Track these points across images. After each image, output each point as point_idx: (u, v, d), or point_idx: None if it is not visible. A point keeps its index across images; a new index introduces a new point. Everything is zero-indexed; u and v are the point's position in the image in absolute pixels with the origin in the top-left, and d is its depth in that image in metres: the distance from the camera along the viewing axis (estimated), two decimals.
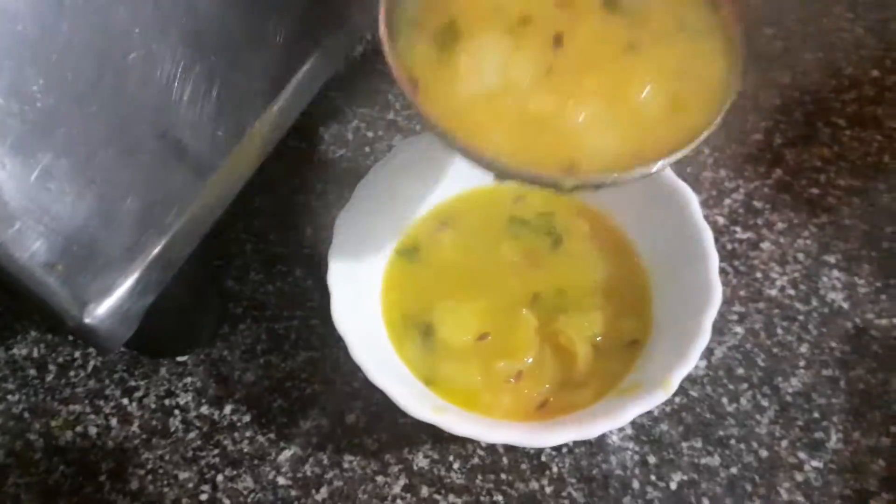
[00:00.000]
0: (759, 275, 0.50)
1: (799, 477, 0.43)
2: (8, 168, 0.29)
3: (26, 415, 0.45)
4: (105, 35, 0.30)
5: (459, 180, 0.48)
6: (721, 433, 0.44)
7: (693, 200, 0.43)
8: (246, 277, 0.50)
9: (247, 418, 0.45)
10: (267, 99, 0.40)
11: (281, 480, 0.43)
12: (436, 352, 0.43)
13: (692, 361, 0.38)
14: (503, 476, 0.43)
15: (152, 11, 0.32)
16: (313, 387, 0.46)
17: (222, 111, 0.37)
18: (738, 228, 0.52)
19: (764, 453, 0.43)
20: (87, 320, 0.33)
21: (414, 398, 0.39)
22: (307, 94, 0.43)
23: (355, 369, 0.43)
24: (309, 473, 0.43)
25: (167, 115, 0.34)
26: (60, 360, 0.47)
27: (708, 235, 0.42)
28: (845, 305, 0.49)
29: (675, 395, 0.39)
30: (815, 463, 0.43)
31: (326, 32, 0.44)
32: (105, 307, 0.34)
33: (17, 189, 0.29)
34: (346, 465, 0.43)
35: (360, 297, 0.44)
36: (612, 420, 0.37)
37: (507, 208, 0.47)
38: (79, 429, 0.45)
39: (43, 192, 0.30)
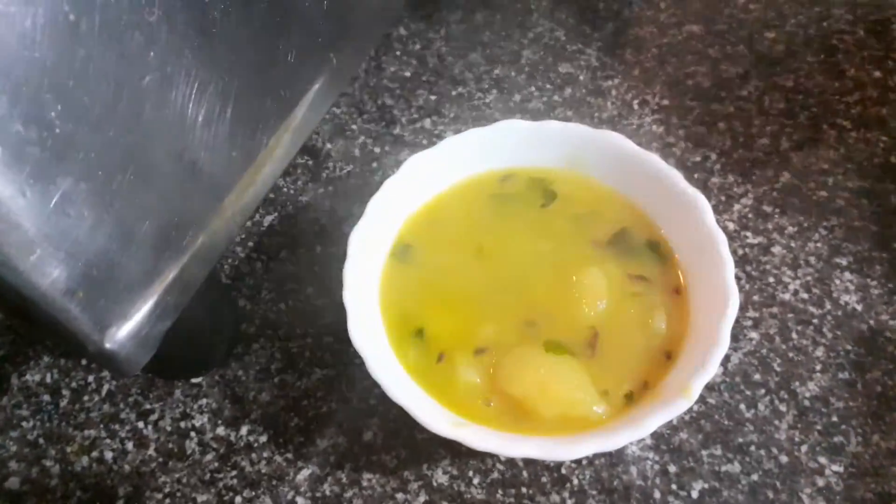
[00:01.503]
0: (771, 279, 0.50)
1: (820, 482, 0.42)
2: (28, 196, 0.29)
3: (41, 441, 0.45)
4: (121, 59, 0.30)
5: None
6: (740, 440, 0.44)
7: (706, 207, 0.43)
8: (258, 297, 0.50)
9: (263, 438, 0.45)
10: (280, 118, 0.40)
11: (300, 500, 0.43)
12: (433, 357, 0.43)
13: (713, 369, 0.38)
14: (524, 490, 0.43)
15: (167, 34, 0.32)
16: (329, 405, 0.46)
17: (236, 131, 0.37)
18: (748, 233, 0.52)
19: (784, 459, 0.43)
20: (107, 345, 0.33)
21: (433, 413, 0.39)
22: (319, 111, 0.44)
23: (371, 386, 0.43)
24: (328, 493, 0.43)
25: (183, 137, 0.34)
26: (74, 384, 0.47)
27: (723, 240, 0.42)
28: (859, 307, 0.49)
29: (693, 402, 0.38)
30: (835, 467, 0.43)
31: (336, 50, 0.44)
32: (125, 331, 0.34)
33: (37, 216, 0.29)
34: (365, 483, 0.43)
35: (372, 313, 0.44)
36: (634, 431, 0.37)
37: (536, 210, 0.48)
38: (94, 454, 0.44)
39: (63, 218, 0.30)
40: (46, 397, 0.47)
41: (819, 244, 0.51)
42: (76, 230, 0.31)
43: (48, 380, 0.47)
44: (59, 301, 0.31)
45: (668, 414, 0.37)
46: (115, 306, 0.33)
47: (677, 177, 0.45)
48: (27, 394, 0.47)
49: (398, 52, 0.64)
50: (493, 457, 0.43)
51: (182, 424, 0.45)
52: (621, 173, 0.47)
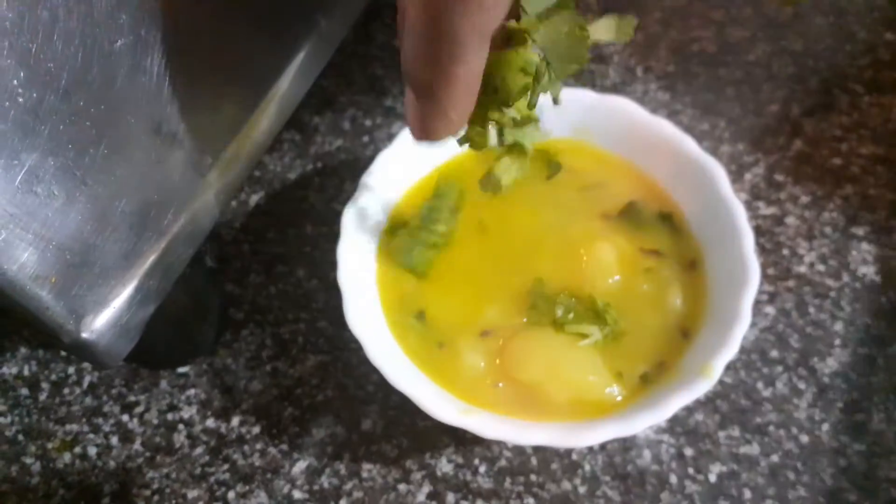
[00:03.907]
0: (786, 251, 0.48)
1: (842, 462, 0.41)
2: None
3: (20, 437, 0.42)
4: (89, 22, 0.27)
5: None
6: (759, 420, 0.42)
7: (722, 175, 0.41)
8: (246, 280, 0.47)
9: (256, 430, 0.42)
10: (264, 88, 0.37)
11: (297, 494, 0.40)
12: (435, 341, 0.40)
13: (735, 347, 0.36)
14: (533, 477, 0.40)
15: None
16: (325, 393, 0.43)
17: (218, 102, 0.34)
18: (760, 204, 0.50)
19: (805, 439, 0.41)
20: (84, 335, 0.31)
21: (437, 400, 0.36)
22: (305, 82, 0.41)
23: (369, 372, 0.41)
24: (326, 485, 0.40)
25: (160, 107, 0.31)
26: (54, 377, 0.44)
27: (740, 210, 0.40)
28: (877, 279, 0.47)
29: (714, 383, 0.36)
30: (857, 446, 0.41)
31: (321, 16, 0.41)
32: (103, 320, 0.31)
33: (1, 194, 0.27)
34: (365, 475, 0.41)
35: (368, 295, 0.41)
36: (653, 414, 0.35)
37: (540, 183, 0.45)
38: (77, 449, 0.42)
39: (30, 196, 0.27)
40: (24, 391, 0.44)
41: (834, 214, 0.49)
42: (45, 210, 0.28)
43: (26, 372, 0.44)
44: (30, 288, 0.29)
45: (688, 395, 0.35)
46: (92, 292, 0.31)
47: (690, 143, 0.43)
48: (4, 388, 0.44)
49: (387, 20, 0.61)
50: (500, 444, 0.41)
51: (169, 417, 0.43)
52: (630, 141, 0.44)
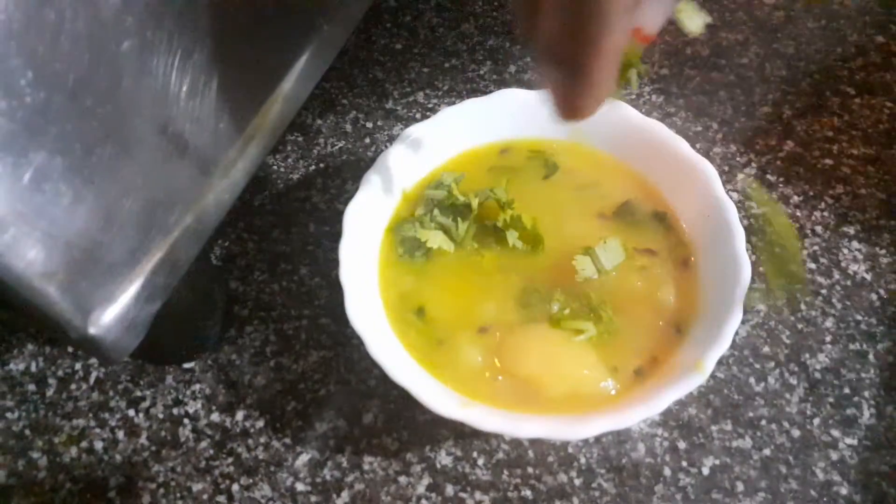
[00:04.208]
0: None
1: (834, 455, 0.41)
2: None
3: (28, 432, 0.43)
4: (96, 23, 0.28)
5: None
6: (751, 414, 0.43)
7: (714, 175, 0.42)
8: (250, 277, 0.48)
9: (260, 423, 0.43)
10: (268, 90, 0.38)
11: (300, 486, 0.41)
12: (435, 337, 0.41)
13: (726, 342, 0.37)
14: (530, 470, 0.41)
15: None
16: (327, 387, 0.44)
17: (223, 103, 0.35)
18: (753, 203, 0.50)
19: (796, 433, 0.42)
20: (91, 331, 0.31)
21: (437, 394, 0.37)
22: (307, 85, 0.42)
23: (370, 367, 0.42)
24: (328, 478, 0.41)
25: (166, 108, 0.32)
26: (60, 373, 0.45)
27: (732, 209, 0.41)
28: (868, 277, 0.47)
29: (706, 377, 0.37)
30: (849, 440, 0.42)
31: (324, 20, 0.42)
32: (110, 315, 0.32)
33: (9, 192, 0.27)
34: (366, 467, 0.42)
35: (370, 292, 0.42)
36: (646, 408, 0.35)
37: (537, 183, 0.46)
38: (84, 444, 0.43)
39: (37, 194, 0.28)
40: (32, 387, 0.45)
41: (825, 213, 0.50)
42: (53, 208, 0.29)
43: (33, 368, 0.45)
44: (37, 284, 0.29)
45: (681, 390, 0.36)
46: (99, 289, 0.32)
47: (683, 145, 0.43)
48: (11, 384, 0.45)
49: (388, 25, 0.62)
50: (498, 437, 0.42)
51: (175, 411, 0.44)
52: (625, 143, 0.45)
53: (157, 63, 0.31)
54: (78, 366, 0.45)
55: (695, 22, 0.34)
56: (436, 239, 0.43)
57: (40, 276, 0.29)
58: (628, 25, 0.27)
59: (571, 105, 0.30)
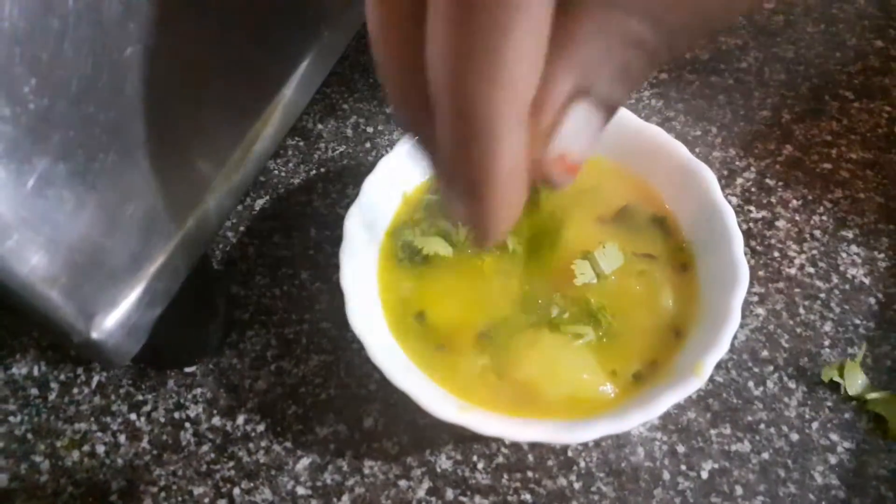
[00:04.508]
0: (776, 254, 0.49)
1: (832, 459, 0.42)
2: (1, 177, 0.27)
3: (30, 436, 0.43)
4: (99, 30, 0.29)
5: None
6: (750, 418, 0.43)
7: (713, 179, 0.42)
8: (251, 282, 0.48)
9: (261, 427, 0.43)
10: (269, 95, 0.38)
11: (300, 490, 0.41)
12: (435, 341, 0.41)
13: (724, 346, 0.37)
14: (530, 474, 0.41)
15: (147, 4, 0.30)
16: (328, 391, 0.44)
17: (225, 109, 0.35)
18: (752, 208, 0.51)
19: (795, 437, 0.42)
20: (94, 335, 0.32)
21: (437, 399, 0.37)
22: (308, 90, 0.42)
23: (370, 371, 0.42)
24: (329, 481, 0.41)
25: (168, 114, 0.32)
26: (62, 377, 0.45)
27: (730, 214, 0.41)
28: (866, 281, 0.48)
29: (704, 381, 0.37)
30: (847, 444, 0.42)
31: (324, 26, 0.43)
32: (112, 320, 0.32)
33: (13, 198, 0.28)
34: (366, 471, 0.42)
35: (370, 296, 0.42)
36: (645, 412, 0.36)
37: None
38: (86, 448, 0.43)
39: (41, 200, 0.28)
40: (34, 391, 0.45)
41: (824, 217, 0.50)
42: (56, 213, 0.29)
43: (35, 373, 0.46)
44: (40, 289, 0.30)
45: (680, 393, 0.36)
46: (101, 293, 0.32)
47: (682, 149, 0.44)
48: (14, 388, 0.45)
49: None
50: (498, 441, 0.42)
51: (176, 415, 0.44)
52: (624, 147, 0.45)
53: (160, 70, 0.31)
54: (80, 370, 0.45)
55: None
56: (434, 246, 0.43)
57: (43, 281, 0.30)
58: (528, 143, 0.21)
59: (485, 234, 0.24)
